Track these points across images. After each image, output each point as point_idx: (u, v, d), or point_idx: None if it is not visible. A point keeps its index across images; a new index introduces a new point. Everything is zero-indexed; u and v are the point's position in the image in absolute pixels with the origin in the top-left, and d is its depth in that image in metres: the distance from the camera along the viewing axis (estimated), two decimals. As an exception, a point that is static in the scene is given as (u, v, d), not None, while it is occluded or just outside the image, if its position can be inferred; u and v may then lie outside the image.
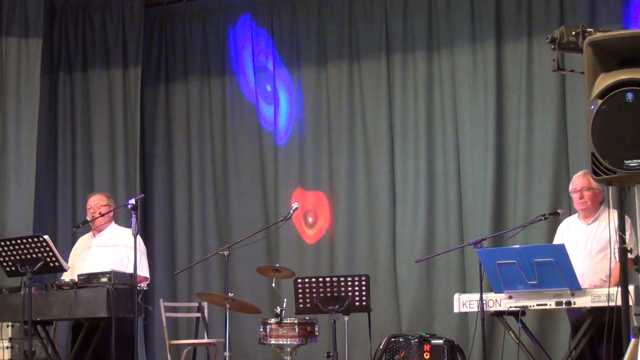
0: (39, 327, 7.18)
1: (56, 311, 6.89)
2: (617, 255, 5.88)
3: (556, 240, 6.69)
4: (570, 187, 6.67)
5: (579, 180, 6.56)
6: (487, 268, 6.21)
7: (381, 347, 7.20)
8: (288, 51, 9.14)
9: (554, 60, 4.71)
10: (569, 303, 5.99)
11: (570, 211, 7.19)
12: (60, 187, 9.27)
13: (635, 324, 4.38)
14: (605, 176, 4.26)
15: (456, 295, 6.55)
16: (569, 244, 6.37)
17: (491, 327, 7.70)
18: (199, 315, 8.37)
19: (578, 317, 6.28)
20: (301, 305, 6.94)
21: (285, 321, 6.95)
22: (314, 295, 6.88)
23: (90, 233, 7.51)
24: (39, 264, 6.81)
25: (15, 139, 8.70)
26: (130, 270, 6.82)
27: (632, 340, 4.33)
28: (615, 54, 4.29)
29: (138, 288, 6.81)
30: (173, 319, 8.84)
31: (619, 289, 4.62)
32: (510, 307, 6.15)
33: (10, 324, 7.73)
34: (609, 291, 5.53)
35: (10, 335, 7.77)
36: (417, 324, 8.17)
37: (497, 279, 6.15)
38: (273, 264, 8.10)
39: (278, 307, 7.00)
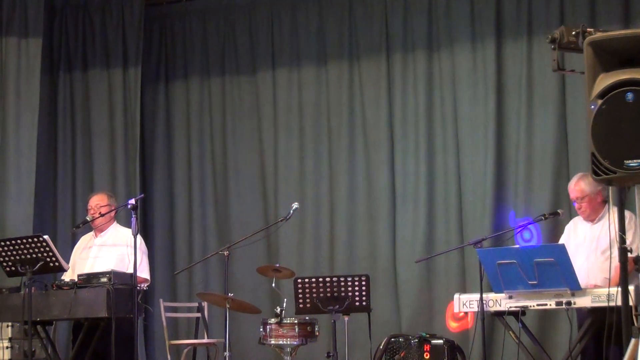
0: (39, 327, 7.16)
1: (56, 311, 6.88)
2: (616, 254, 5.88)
3: (563, 239, 6.68)
4: (569, 195, 6.63)
5: (572, 192, 6.51)
6: (487, 268, 6.21)
7: (381, 347, 7.20)
8: (288, 50, 9.13)
9: (554, 60, 4.71)
10: (569, 303, 5.99)
11: (570, 211, 7.20)
12: (60, 187, 9.26)
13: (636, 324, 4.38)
14: (605, 176, 4.25)
15: (456, 295, 6.54)
16: (576, 243, 6.38)
17: (491, 327, 7.70)
18: (199, 315, 8.36)
19: (582, 317, 6.27)
20: (301, 305, 6.94)
21: (285, 321, 6.94)
22: (314, 295, 6.87)
23: (92, 232, 7.51)
24: (39, 264, 6.80)
25: (15, 139, 8.68)
26: (132, 270, 6.82)
27: (632, 341, 4.32)
28: (615, 54, 4.29)
29: (138, 288, 6.81)
30: (173, 319, 8.83)
31: (619, 289, 4.62)
32: (510, 307, 6.15)
33: (10, 324, 7.72)
34: (609, 291, 5.53)
35: (10, 335, 7.76)
36: (417, 324, 8.15)
37: (497, 279, 6.14)
38: (273, 264, 8.08)
39: (278, 307, 7.00)
